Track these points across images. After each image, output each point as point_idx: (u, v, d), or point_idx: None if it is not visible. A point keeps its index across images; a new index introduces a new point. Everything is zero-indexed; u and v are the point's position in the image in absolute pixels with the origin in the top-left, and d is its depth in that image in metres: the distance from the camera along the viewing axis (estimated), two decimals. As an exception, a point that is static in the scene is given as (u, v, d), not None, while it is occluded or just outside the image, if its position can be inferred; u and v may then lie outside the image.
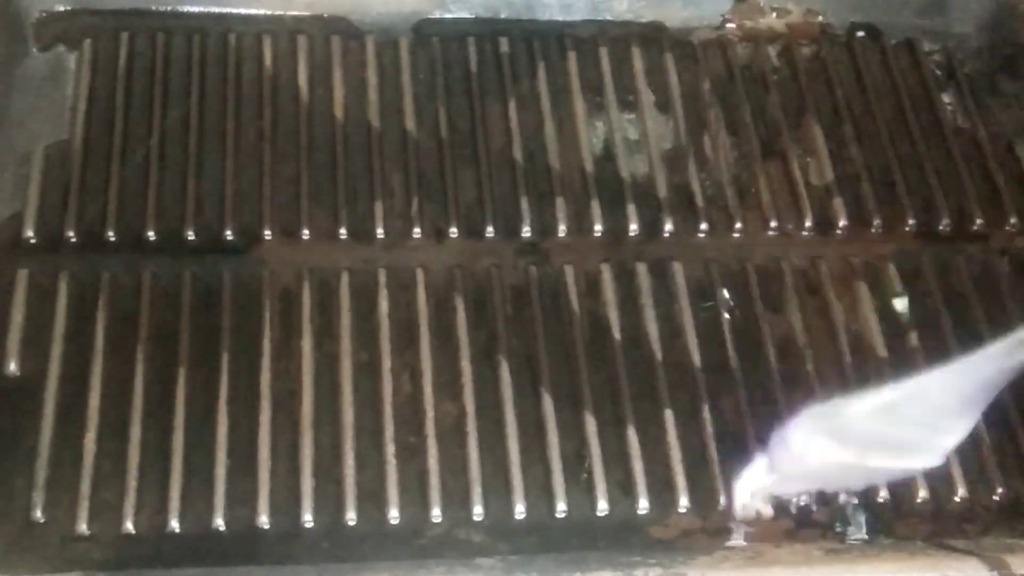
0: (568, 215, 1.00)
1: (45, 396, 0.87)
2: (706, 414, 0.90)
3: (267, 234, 0.97)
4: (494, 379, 0.91)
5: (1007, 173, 1.07)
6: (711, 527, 0.85)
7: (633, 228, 1.00)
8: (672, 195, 1.02)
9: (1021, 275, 1.00)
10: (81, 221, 0.96)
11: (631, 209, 1.01)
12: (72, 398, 0.87)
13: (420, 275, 0.96)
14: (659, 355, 0.93)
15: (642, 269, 0.98)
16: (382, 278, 0.95)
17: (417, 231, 0.99)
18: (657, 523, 0.86)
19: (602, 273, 0.97)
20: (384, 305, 0.94)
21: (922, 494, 0.88)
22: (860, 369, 0.94)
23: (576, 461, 0.87)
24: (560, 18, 1.13)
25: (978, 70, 1.14)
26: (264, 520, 0.83)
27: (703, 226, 1.01)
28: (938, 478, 0.89)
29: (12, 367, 0.89)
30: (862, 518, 0.86)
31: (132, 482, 0.84)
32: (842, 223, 1.02)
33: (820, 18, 1.16)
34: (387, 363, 0.91)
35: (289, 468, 0.85)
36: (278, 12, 1.11)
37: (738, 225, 1.01)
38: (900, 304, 0.98)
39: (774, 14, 1.15)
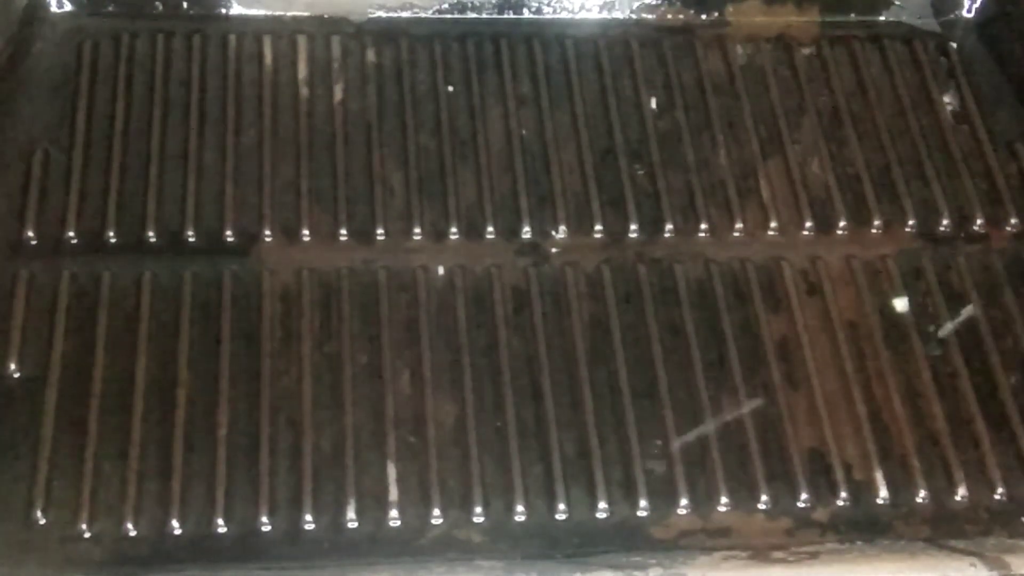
0: (568, 215, 1.00)
1: (45, 396, 0.87)
2: (706, 414, 0.90)
3: (267, 234, 0.97)
4: (494, 379, 0.91)
5: (1007, 173, 1.07)
6: (711, 527, 0.85)
7: (633, 228, 1.00)
8: (672, 195, 1.02)
9: (1021, 275, 1.00)
10: (82, 222, 0.97)
11: (631, 209, 1.01)
12: (72, 398, 0.87)
13: (420, 275, 0.96)
14: (659, 355, 0.93)
15: (642, 269, 0.98)
16: (382, 278, 0.95)
17: (417, 231, 0.99)
18: (657, 523, 0.86)
19: (602, 273, 0.97)
20: (384, 305, 0.94)
21: (922, 494, 0.88)
22: (860, 369, 0.94)
23: (577, 460, 0.88)
24: (560, 18, 1.13)
25: (978, 70, 1.14)
26: (264, 521, 0.83)
27: (703, 226, 1.01)
28: (938, 478, 0.89)
29: (12, 367, 0.89)
30: None
31: (132, 483, 0.84)
32: (842, 223, 1.02)
33: (820, 18, 1.16)
34: (387, 363, 0.91)
35: (289, 469, 0.86)
36: (278, 12, 1.11)
37: (738, 225, 1.01)
38: (900, 304, 0.98)
39: (774, 14, 1.15)
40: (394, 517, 0.84)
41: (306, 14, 1.11)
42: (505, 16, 1.13)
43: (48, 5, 1.09)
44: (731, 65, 1.11)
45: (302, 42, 1.09)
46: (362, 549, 0.83)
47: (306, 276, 0.95)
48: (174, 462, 0.85)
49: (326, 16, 1.11)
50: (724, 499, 0.86)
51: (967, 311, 0.96)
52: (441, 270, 0.96)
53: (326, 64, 1.08)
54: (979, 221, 1.03)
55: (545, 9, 1.14)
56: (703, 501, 0.87)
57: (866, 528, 0.86)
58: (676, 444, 0.88)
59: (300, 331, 0.92)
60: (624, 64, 1.10)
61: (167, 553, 0.82)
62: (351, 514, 0.84)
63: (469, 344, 0.92)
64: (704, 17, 1.15)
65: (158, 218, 0.97)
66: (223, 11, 1.11)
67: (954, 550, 0.83)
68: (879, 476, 0.88)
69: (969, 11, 1.17)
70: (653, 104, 1.08)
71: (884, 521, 0.87)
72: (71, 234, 0.96)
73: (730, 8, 1.15)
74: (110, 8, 1.10)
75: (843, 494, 0.87)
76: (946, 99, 1.12)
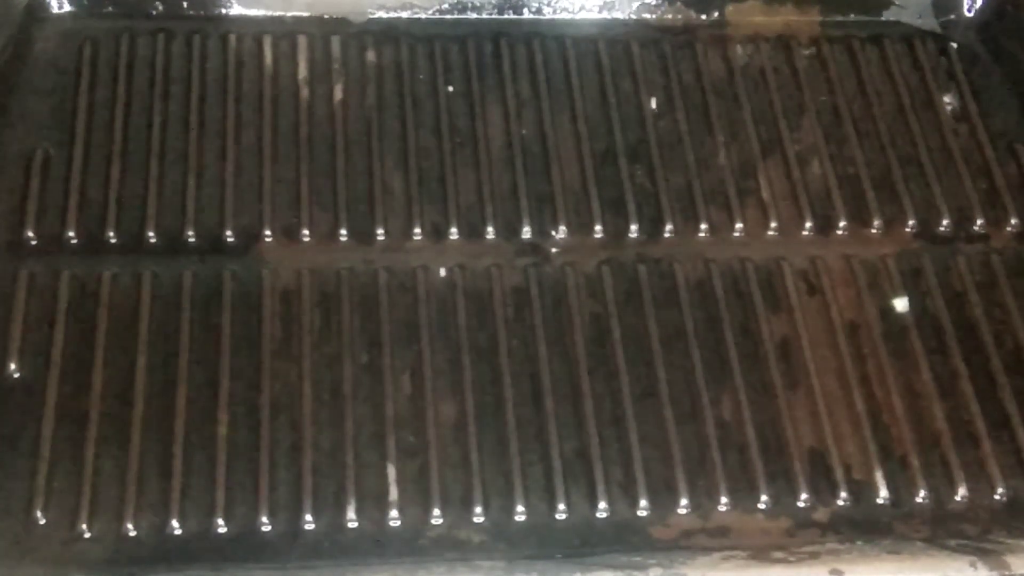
0: (568, 215, 1.00)
1: (45, 396, 0.87)
2: (706, 414, 0.90)
3: (267, 234, 0.97)
4: (494, 379, 0.91)
5: (1007, 173, 1.07)
6: (711, 527, 0.85)
7: (633, 228, 1.00)
8: (672, 195, 1.02)
9: (1021, 275, 1.00)
10: (82, 222, 0.97)
11: (631, 209, 1.01)
12: (72, 398, 0.87)
13: (420, 275, 0.96)
14: (659, 355, 0.93)
15: (642, 269, 0.98)
16: (382, 278, 0.95)
17: (417, 231, 0.99)
18: (657, 523, 0.86)
19: (602, 273, 0.97)
20: (384, 305, 0.94)
21: (922, 494, 0.88)
22: (860, 369, 0.94)
23: (577, 460, 0.88)
24: (560, 18, 1.14)
25: (978, 70, 1.14)
26: (264, 521, 0.83)
27: (703, 226, 1.01)
28: (938, 478, 0.89)
29: (12, 367, 0.89)
30: None
31: (133, 482, 0.84)
32: (842, 223, 1.02)
33: (820, 18, 1.16)
34: (387, 363, 0.91)
35: (289, 469, 0.86)
36: (278, 12, 1.11)
37: (738, 225, 1.01)
38: (900, 304, 0.98)
39: (774, 14, 1.16)
40: (394, 517, 0.84)
41: (306, 14, 1.11)
42: (505, 16, 1.13)
43: (48, 5, 1.09)
44: (731, 65, 1.11)
45: (302, 42, 1.09)
46: (362, 549, 0.83)
47: (306, 276, 0.95)
48: (174, 462, 0.85)
49: (326, 16, 1.11)
50: (724, 499, 0.87)
51: None
52: (441, 270, 0.96)
53: (326, 64, 1.08)
54: (979, 221, 1.03)
55: (545, 9, 1.14)
56: (703, 501, 0.87)
57: (866, 528, 0.86)
58: None
59: (300, 331, 0.92)
60: (624, 64, 1.10)
61: (167, 553, 0.82)
62: (351, 514, 0.84)
63: (469, 344, 0.92)
64: (704, 17, 1.15)
65: (158, 218, 0.97)
66: (223, 11, 1.11)
67: (954, 550, 0.83)
68: (879, 476, 0.88)
69: (969, 11, 1.17)
70: (653, 104, 1.08)
71: (884, 521, 0.87)
72: (71, 234, 0.96)
73: (730, 8, 1.15)
74: (110, 8, 1.10)
75: (843, 494, 0.87)
76: (946, 99, 1.12)
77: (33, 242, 0.95)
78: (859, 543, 0.85)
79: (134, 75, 1.05)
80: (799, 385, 0.93)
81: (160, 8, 1.10)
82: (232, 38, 1.08)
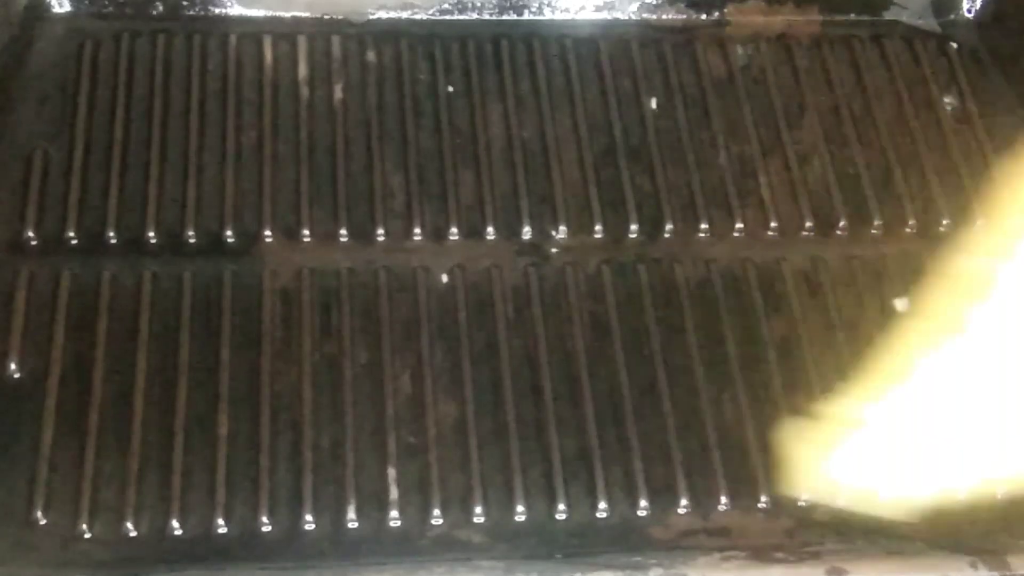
0: (568, 215, 1.00)
1: (45, 396, 0.87)
2: (706, 414, 0.90)
3: (267, 235, 0.97)
4: (494, 379, 0.91)
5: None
6: (711, 527, 0.85)
7: (633, 228, 1.00)
8: (672, 195, 1.02)
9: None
10: (82, 222, 0.97)
11: (631, 209, 1.01)
12: (72, 398, 0.87)
13: (420, 275, 0.96)
14: (659, 355, 0.93)
15: (642, 269, 0.98)
16: (382, 278, 0.95)
17: (417, 231, 0.99)
18: (657, 523, 0.86)
19: (602, 273, 0.97)
20: (384, 305, 0.94)
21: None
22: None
23: (577, 460, 0.88)
24: (560, 18, 1.14)
25: (978, 70, 1.14)
26: (264, 521, 0.83)
27: (703, 226, 1.01)
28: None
29: (12, 367, 0.89)
30: None
31: (133, 483, 0.84)
32: (842, 223, 1.02)
33: (820, 18, 1.16)
34: (387, 363, 0.91)
35: (290, 469, 0.86)
36: (278, 12, 1.11)
37: (738, 225, 1.01)
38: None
39: (774, 14, 1.16)
40: (394, 517, 0.84)
41: (306, 14, 1.11)
42: (505, 16, 1.13)
43: (48, 5, 1.09)
44: (731, 65, 1.11)
45: (302, 42, 1.09)
46: (362, 549, 0.83)
47: (306, 276, 0.95)
48: (174, 462, 0.85)
49: (326, 16, 1.11)
50: (724, 499, 0.87)
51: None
52: (441, 270, 0.96)
53: (326, 64, 1.08)
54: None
55: (545, 9, 1.14)
56: (703, 501, 0.87)
57: (866, 528, 0.86)
58: None
59: (300, 331, 0.92)
60: (624, 64, 1.10)
61: (167, 553, 0.82)
62: (351, 514, 0.84)
63: (469, 344, 0.92)
64: (704, 17, 1.15)
65: (158, 218, 0.97)
66: (223, 11, 1.11)
67: (954, 550, 0.83)
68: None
69: (969, 11, 1.17)
70: (653, 104, 1.08)
71: (885, 521, 0.87)
72: (71, 234, 0.96)
73: (730, 8, 1.15)
74: (110, 8, 1.10)
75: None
76: (946, 99, 1.12)
77: (33, 242, 0.95)
78: (859, 543, 0.85)
79: (134, 75, 1.05)
80: (799, 385, 0.92)
81: (160, 8, 1.10)
82: (232, 38, 1.08)
